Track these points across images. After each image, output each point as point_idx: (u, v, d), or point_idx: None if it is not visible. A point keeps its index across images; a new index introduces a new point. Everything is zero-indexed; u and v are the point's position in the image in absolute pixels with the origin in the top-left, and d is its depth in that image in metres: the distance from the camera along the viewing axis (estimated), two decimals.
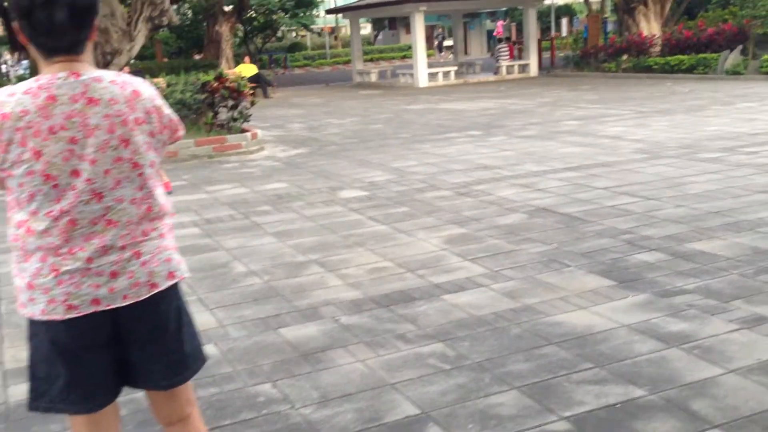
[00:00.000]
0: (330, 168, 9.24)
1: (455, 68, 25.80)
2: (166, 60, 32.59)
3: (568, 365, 3.53)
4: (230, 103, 10.94)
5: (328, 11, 31.62)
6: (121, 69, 11.89)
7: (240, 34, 38.82)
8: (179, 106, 10.15)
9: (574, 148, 9.60)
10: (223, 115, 11.06)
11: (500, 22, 36.13)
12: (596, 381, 3.36)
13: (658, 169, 7.89)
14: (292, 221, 6.63)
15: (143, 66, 27.09)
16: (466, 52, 43.10)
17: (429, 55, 33.06)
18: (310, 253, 5.61)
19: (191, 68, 25.43)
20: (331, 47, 42.62)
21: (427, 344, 3.86)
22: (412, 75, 24.63)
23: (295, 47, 42.56)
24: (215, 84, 10.63)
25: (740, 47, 19.63)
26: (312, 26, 43.32)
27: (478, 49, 42.88)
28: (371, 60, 39.52)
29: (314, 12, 37.86)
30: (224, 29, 24.51)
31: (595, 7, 33.63)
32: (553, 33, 30.84)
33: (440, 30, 41.14)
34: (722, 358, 3.51)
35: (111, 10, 11.80)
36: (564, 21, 41.32)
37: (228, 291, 4.85)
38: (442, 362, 3.64)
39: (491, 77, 25.91)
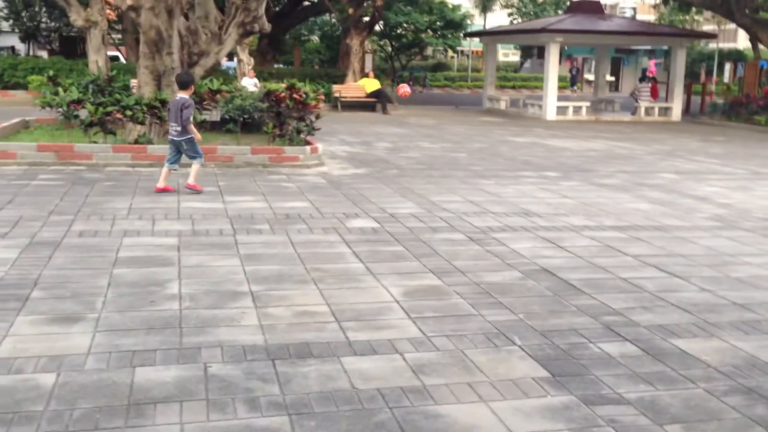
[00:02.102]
0: (368, 193, 8.74)
1: (587, 104, 24.48)
2: (304, 67, 33.38)
3: None
4: (297, 114, 10.71)
5: (467, 34, 31.08)
6: (206, 70, 12.04)
7: (388, 49, 39.22)
8: (238, 111, 10.05)
9: (643, 205, 8.51)
10: (291, 126, 10.86)
11: (653, 61, 34.02)
12: None
13: (718, 241, 6.74)
14: (273, 245, 6.20)
15: (281, 71, 27.90)
16: (617, 89, 41.11)
17: (562, 87, 31.74)
18: (258, 283, 5.16)
19: (322, 77, 25.94)
20: (475, 70, 42.11)
21: (271, 416, 3.29)
22: (540, 106, 23.64)
23: (440, 67, 42.43)
24: (282, 94, 10.44)
25: None
26: (459, 48, 43.02)
27: (631, 87, 40.71)
28: (513, 87, 38.59)
29: (461, 34, 37.55)
30: (354, 42, 24.63)
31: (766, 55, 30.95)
32: (703, 77, 28.56)
33: (574, 64, 39.48)
34: None
35: (205, 12, 11.98)
36: (727, 66, 38.37)
37: (134, 314, 4.49)
38: None
39: (627, 117, 24.36)
